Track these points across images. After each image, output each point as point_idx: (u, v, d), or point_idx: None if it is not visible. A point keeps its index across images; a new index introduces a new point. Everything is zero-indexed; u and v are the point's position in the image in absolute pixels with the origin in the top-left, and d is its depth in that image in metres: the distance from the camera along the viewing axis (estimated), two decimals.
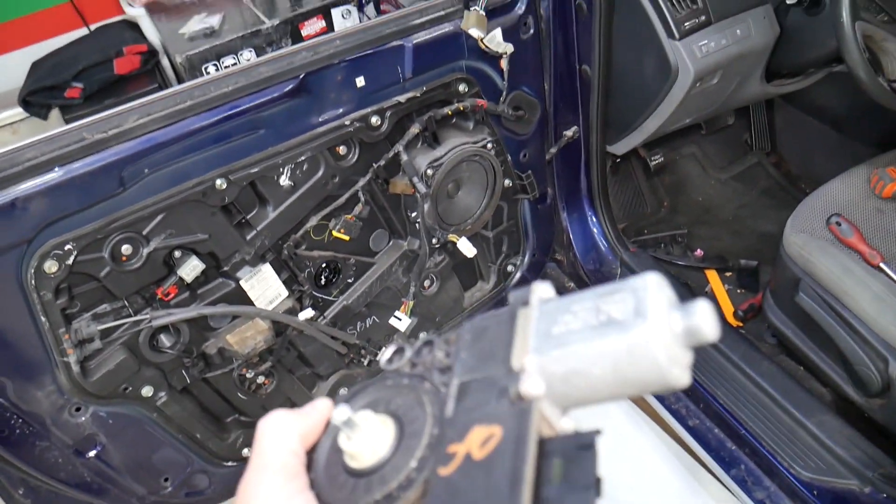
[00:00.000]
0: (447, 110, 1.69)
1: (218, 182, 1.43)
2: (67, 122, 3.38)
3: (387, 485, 0.47)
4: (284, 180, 1.54)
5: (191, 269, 1.48)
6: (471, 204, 1.86)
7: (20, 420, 1.40)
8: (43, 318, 1.34)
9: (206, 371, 1.65)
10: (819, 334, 1.81)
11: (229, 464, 1.76)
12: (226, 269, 1.56)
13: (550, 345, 0.46)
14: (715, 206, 2.63)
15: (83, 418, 1.48)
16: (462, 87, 1.69)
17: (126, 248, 1.39)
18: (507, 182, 1.91)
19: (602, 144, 2.05)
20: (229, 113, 1.40)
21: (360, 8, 3.40)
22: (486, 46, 1.65)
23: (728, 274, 2.42)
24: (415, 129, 1.66)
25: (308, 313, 1.70)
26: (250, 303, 1.61)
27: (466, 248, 1.84)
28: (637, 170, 2.61)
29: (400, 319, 1.89)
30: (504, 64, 1.72)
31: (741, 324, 2.27)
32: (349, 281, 1.81)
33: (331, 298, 1.79)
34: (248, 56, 3.12)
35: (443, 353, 0.53)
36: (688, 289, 2.21)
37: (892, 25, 1.83)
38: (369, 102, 1.57)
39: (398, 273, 1.87)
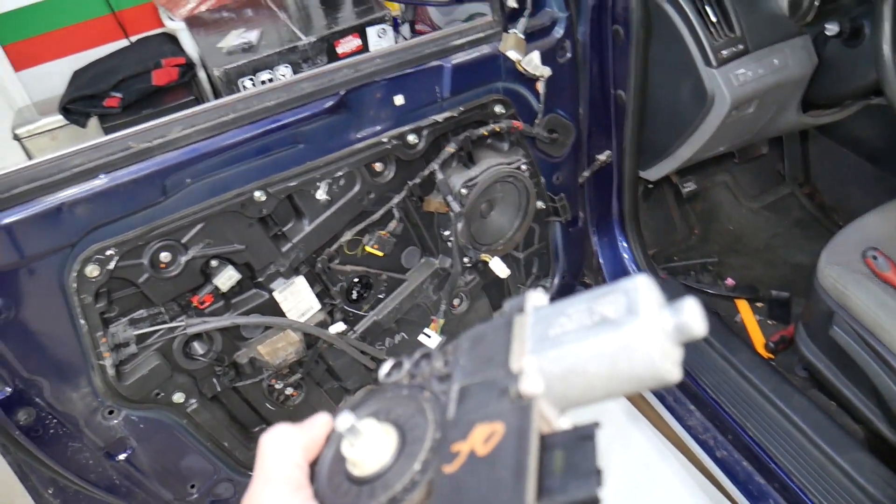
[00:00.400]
0: (483, 131, 1.70)
1: (257, 194, 1.45)
2: (105, 130, 3.46)
3: (391, 488, 0.48)
4: (321, 194, 1.56)
5: (227, 278, 1.51)
6: (503, 224, 1.87)
7: (55, 420, 1.42)
8: (82, 321, 1.36)
9: (236, 380, 1.66)
10: (853, 369, 1.78)
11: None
12: (260, 280, 1.58)
13: (547, 346, 0.48)
14: (746, 236, 2.62)
15: (115, 421, 1.50)
16: (498, 109, 1.71)
17: (165, 256, 1.42)
18: (539, 204, 1.92)
19: (635, 170, 2.05)
20: (270, 127, 1.43)
21: (396, 27, 3.45)
22: (524, 69, 1.67)
23: (759, 304, 2.39)
24: (451, 148, 1.67)
25: (339, 327, 1.72)
26: (283, 314, 1.63)
27: (499, 268, 1.85)
28: (668, 196, 2.60)
29: (429, 337, 1.90)
30: (540, 87, 1.74)
31: (772, 356, 2.24)
32: (380, 296, 1.82)
33: (361, 313, 1.80)
34: (283, 71, 3.17)
35: (441, 363, 0.54)
36: (718, 318, 2.19)
37: None
38: (407, 121, 1.60)
39: (429, 290, 1.88)
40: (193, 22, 3.61)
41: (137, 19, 4.12)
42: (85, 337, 1.38)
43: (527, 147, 1.82)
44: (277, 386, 1.72)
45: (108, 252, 1.33)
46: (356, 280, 1.76)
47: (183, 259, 1.44)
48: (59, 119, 3.68)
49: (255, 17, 3.53)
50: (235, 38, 3.26)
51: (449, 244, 1.79)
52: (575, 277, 2.26)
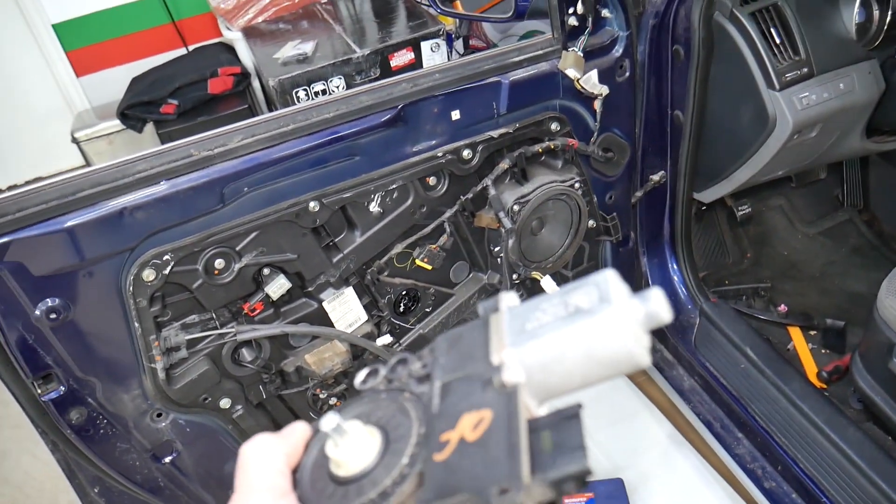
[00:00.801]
0: (538, 148, 1.69)
1: (311, 204, 1.46)
2: (161, 136, 3.53)
3: (380, 483, 0.48)
4: (374, 207, 1.57)
5: (278, 286, 1.52)
6: (554, 242, 1.85)
7: (105, 421, 1.44)
8: (136, 324, 1.38)
9: (282, 388, 1.67)
10: None
11: None
12: (310, 289, 1.59)
13: (525, 338, 0.50)
14: (801, 262, 2.55)
15: (163, 424, 1.51)
16: (554, 126, 1.70)
17: (219, 263, 1.44)
18: (591, 223, 1.90)
19: (689, 191, 2.02)
20: (328, 138, 1.44)
21: (449, 42, 3.46)
22: (582, 87, 1.66)
23: (812, 332, 2.33)
24: (504, 164, 1.67)
25: (385, 339, 1.72)
26: (331, 324, 1.64)
27: (550, 286, 1.83)
28: (721, 218, 2.55)
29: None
30: (598, 105, 1.72)
31: (825, 385, 2.17)
32: (427, 310, 1.82)
33: (408, 326, 1.80)
34: (337, 83, 3.20)
35: (418, 365, 0.55)
36: (770, 345, 2.13)
37: None
38: (462, 136, 1.59)
39: (476, 306, 1.87)
40: (250, 32, 3.67)
41: (196, 28, 4.22)
42: (138, 340, 1.40)
43: (581, 165, 1.80)
44: (322, 396, 1.73)
45: (165, 257, 1.35)
46: (404, 293, 1.76)
47: (236, 266, 1.46)
48: (116, 124, 3.78)
49: (311, 28, 3.58)
50: (291, 49, 3.31)
51: (499, 260, 1.78)
52: None
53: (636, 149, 1.93)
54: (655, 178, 2.00)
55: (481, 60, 1.58)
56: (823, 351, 2.29)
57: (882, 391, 1.84)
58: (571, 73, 1.63)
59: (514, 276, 1.82)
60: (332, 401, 1.75)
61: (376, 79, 3.24)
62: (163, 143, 3.49)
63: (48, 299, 1.28)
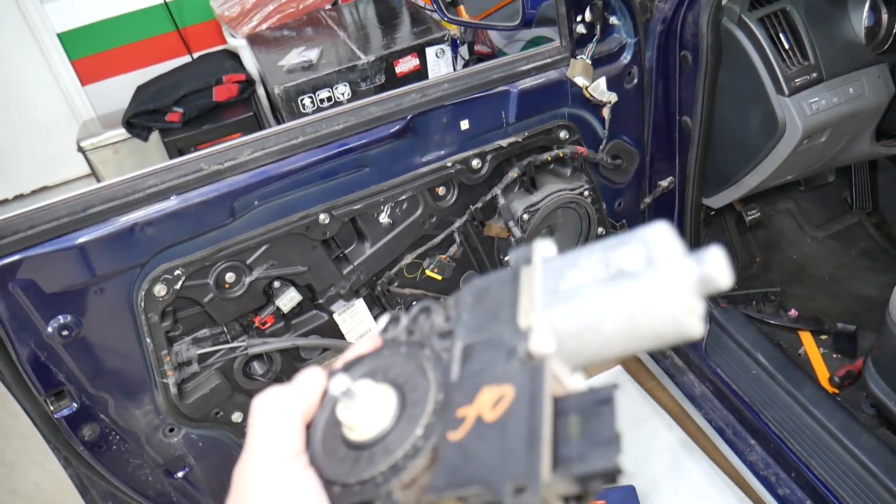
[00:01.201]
0: (547, 156, 1.69)
1: (321, 217, 1.46)
2: (166, 144, 3.53)
3: (392, 455, 0.44)
4: (384, 218, 1.57)
5: (289, 299, 1.51)
6: (564, 250, 1.84)
7: (118, 437, 1.44)
8: (148, 340, 1.38)
9: None
10: None
11: None
12: (321, 301, 1.59)
13: (559, 300, 0.44)
14: (811, 266, 2.54)
15: (175, 439, 1.51)
16: (563, 134, 1.69)
17: (230, 276, 1.43)
18: (600, 230, 1.89)
19: (698, 197, 2.01)
20: (338, 150, 1.44)
21: (454, 48, 3.46)
22: (591, 95, 1.65)
23: (823, 337, 2.31)
24: (513, 173, 1.66)
25: None
26: (341, 336, 1.63)
27: None
28: (730, 223, 2.54)
29: None
30: (606, 113, 1.72)
31: (837, 391, 2.16)
32: None
33: None
34: (342, 90, 3.20)
35: (442, 318, 0.51)
36: (781, 350, 2.12)
37: None
38: (472, 145, 1.59)
39: None
40: (255, 40, 3.67)
41: (200, 36, 4.23)
42: (150, 355, 1.40)
43: (590, 173, 1.80)
44: None
45: (177, 272, 1.35)
46: (414, 303, 1.75)
47: (247, 280, 1.45)
48: (121, 132, 3.78)
49: (316, 35, 3.58)
50: (296, 56, 3.31)
51: None
52: None
53: (645, 155, 1.93)
54: (664, 184, 1.99)
55: (490, 70, 1.58)
56: (835, 355, 2.28)
57: (895, 395, 1.84)
58: (580, 80, 1.62)
59: None
60: None
61: (381, 85, 3.24)
62: (168, 151, 3.49)
63: (60, 316, 1.28)
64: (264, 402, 0.51)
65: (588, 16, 1.60)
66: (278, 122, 3.49)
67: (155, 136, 3.71)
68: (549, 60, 1.62)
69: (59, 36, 4.05)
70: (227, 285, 1.44)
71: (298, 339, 1.57)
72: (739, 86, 1.80)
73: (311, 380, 0.52)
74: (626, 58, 1.72)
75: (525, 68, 1.60)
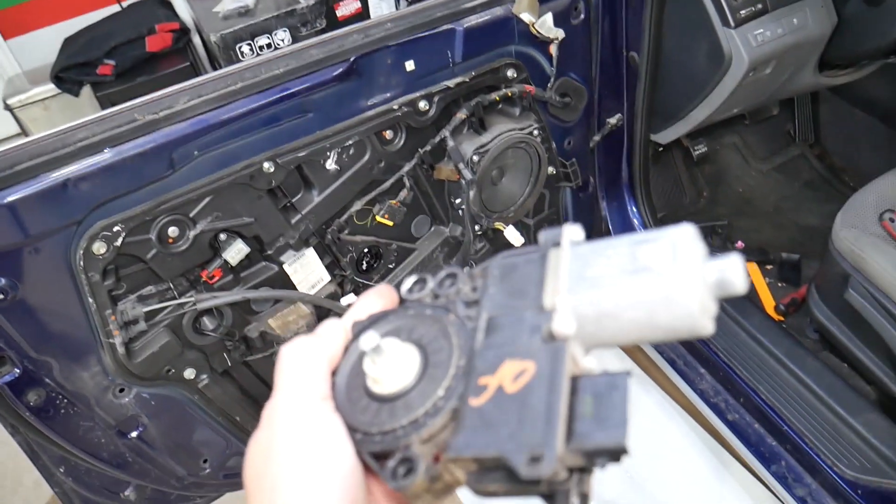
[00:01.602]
0: (495, 96, 1.66)
1: (266, 165, 1.41)
2: (99, 98, 3.39)
3: (413, 411, 0.47)
4: (331, 164, 1.52)
5: (236, 252, 1.47)
6: (514, 191, 1.83)
7: (65, 400, 1.40)
8: (90, 300, 1.33)
9: (247, 354, 1.64)
10: (867, 332, 1.78)
11: None
12: (270, 252, 1.55)
13: (584, 286, 0.47)
14: (756, 198, 2.59)
15: (126, 399, 1.47)
16: (510, 73, 1.66)
17: (173, 231, 1.38)
18: (550, 170, 1.88)
19: (646, 133, 2.01)
20: (279, 96, 1.38)
21: None
22: (537, 31, 1.62)
23: (769, 267, 2.38)
24: (462, 114, 1.63)
25: (350, 298, 1.69)
26: (293, 287, 1.60)
27: (514, 236, 1.82)
28: (678, 159, 2.57)
29: None
30: (553, 50, 1.69)
31: (782, 318, 2.23)
32: (390, 266, 1.80)
33: (372, 284, 1.78)
34: (282, 36, 3.09)
35: (468, 287, 0.53)
36: None
37: None
38: (418, 87, 1.55)
39: (439, 259, 1.85)
40: None
41: None
42: (94, 315, 1.35)
43: (539, 112, 1.77)
44: None
45: (115, 228, 1.29)
46: (366, 250, 1.73)
47: (191, 233, 1.41)
48: (51, 88, 3.60)
49: None
50: (232, 2, 3.18)
51: (460, 212, 1.76)
52: None
53: (593, 92, 1.91)
54: (612, 121, 1.99)
55: (434, 7, 1.53)
56: (780, 284, 2.35)
57: (838, 321, 1.90)
58: (526, 17, 1.58)
59: (477, 228, 1.80)
60: None
61: (323, 30, 3.14)
62: (102, 106, 3.35)
63: None
64: (293, 349, 0.54)
65: None
66: None
67: (87, 90, 3.55)
68: None
69: None
70: (170, 240, 1.39)
71: (248, 291, 1.53)
72: (686, 19, 1.79)
73: (334, 331, 0.56)
74: None
75: (470, 5, 1.55)
